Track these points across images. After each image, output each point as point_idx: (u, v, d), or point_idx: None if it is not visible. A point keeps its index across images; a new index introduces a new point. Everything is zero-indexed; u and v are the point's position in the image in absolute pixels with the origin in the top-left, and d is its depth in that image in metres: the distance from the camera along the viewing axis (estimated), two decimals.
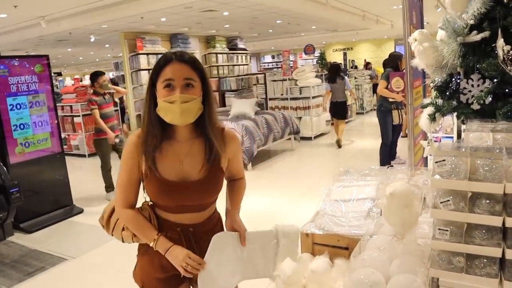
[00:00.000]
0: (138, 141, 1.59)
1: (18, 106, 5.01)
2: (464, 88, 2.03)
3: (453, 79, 2.15)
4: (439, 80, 2.25)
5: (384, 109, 6.18)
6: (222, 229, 1.82)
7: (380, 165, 6.02)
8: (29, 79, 5.11)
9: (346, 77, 9.16)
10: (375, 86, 13.37)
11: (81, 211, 5.56)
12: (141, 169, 1.61)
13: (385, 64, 6.59)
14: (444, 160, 1.26)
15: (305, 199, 5.38)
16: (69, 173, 5.70)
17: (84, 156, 9.43)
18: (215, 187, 1.67)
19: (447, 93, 2.19)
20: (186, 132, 1.62)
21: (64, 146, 6.13)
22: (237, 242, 1.69)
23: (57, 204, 5.45)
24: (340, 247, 1.79)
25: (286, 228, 1.79)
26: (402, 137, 6.91)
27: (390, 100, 6.07)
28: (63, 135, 7.90)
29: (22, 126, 5.05)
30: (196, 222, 1.69)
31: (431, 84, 2.31)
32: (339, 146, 8.74)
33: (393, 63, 6.31)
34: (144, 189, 1.69)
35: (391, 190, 1.44)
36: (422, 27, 3.34)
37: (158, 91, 1.54)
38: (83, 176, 7.87)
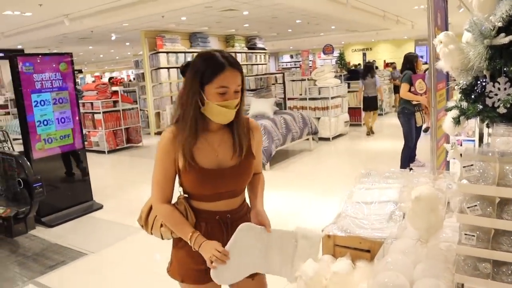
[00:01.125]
0: (174, 138, 1.66)
1: (42, 103, 5.10)
2: (490, 91, 2.00)
3: (479, 82, 2.11)
4: (464, 83, 2.21)
5: (408, 111, 6.06)
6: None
7: (400, 168, 5.96)
8: (53, 76, 5.20)
9: (376, 76, 10.54)
10: (396, 87, 13.23)
11: (100, 207, 5.64)
12: (177, 164, 1.68)
13: (402, 65, 6.48)
14: (472, 165, 1.25)
15: (323, 200, 5.37)
16: (89, 169, 5.79)
17: (103, 152, 9.55)
18: (247, 172, 1.77)
19: (472, 96, 2.16)
20: (218, 124, 1.70)
21: (85, 143, 6.21)
22: (260, 236, 1.71)
23: (77, 199, 5.54)
24: (362, 250, 1.78)
25: (307, 232, 1.80)
26: (423, 131, 6.78)
27: (414, 102, 5.97)
28: (84, 132, 8.02)
29: (45, 122, 5.15)
30: (232, 208, 1.77)
31: (456, 87, 2.28)
32: (371, 133, 10.22)
33: (410, 64, 6.21)
34: (179, 183, 1.75)
35: (416, 193, 1.43)
36: (447, 29, 3.30)
37: (208, 93, 1.60)
38: (102, 173, 7.99)
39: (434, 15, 2.81)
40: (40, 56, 5.20)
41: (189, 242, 1.66)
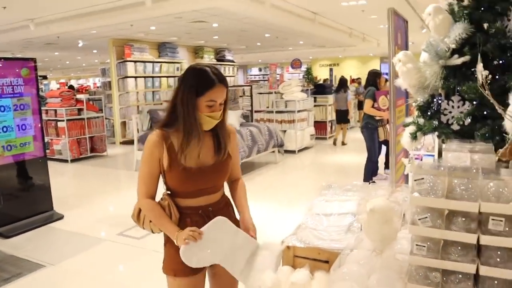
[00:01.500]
0: (159, 140, 1.85)
1: (2, 109, 4.95)
2: (445, 109, 2.10)
3: (435, 100, 2.22)
4: (421, 100, 2.31)
5: (371, 126, 6.21)
6: (231, 209, 2.08)
7: (364, 181, 6.08)
8: (15, 81, 5.06)
9: (348, 91, 11.21)
10: (360, 102, 13.53)
11: (61, 217, 5.49)
12: (161, 164, 1.87)
13: (366, 82, 6.67)
14: (423, 178, 1.31)
15: (287, 211, 5.41)
16: (50, 178, 5.63)
17: (66, 161, 9.32)
18: (225, 169, 1.98)
19: (429, 113, 2.25)
20: None
21: (47, 151, 6.04)
22: (234, 235, 1.87)
23: (37, 209, 5.37)
24: (321, 260, 1.82)
25: (269, 244, 1.89)
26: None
27: (377, 118, 6.14)
28: (46, 140, 7.80)
29: (5, 129, 4.99)
30: (212, 202, 1.96)
31: (414, 104, 2.38)
32: (342, 144, 10.98)
33: (373, 81, 6.39)
34: (164, 182, 1.93)
35: (371, 206, 1.48)
36: (407, 48, 3.43)
37: (199, 104, 1.81)
38: (64, 182, 7.79)
39: (395, 35, 2.93)
40: (1, 60, 5.06)
41: (174, 238, 1.81)
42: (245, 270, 1.82)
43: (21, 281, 3.79)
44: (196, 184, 1.88)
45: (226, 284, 2.02)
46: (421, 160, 3.95)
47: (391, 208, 1.53)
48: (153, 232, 1.97)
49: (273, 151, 8.77)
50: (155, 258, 4.17)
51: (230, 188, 2.13)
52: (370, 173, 6.35)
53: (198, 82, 1.81)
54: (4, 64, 5.03)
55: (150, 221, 1.93)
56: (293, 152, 9.70)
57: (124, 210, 6.17)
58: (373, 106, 6.08)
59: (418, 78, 2.22)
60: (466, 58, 1.98)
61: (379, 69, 9.69)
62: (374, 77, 6.40)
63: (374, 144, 6.30)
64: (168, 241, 1.94)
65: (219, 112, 1.85)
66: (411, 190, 1.35)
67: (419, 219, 1.32)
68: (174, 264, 1.87)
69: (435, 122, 2.18)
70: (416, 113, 2.41)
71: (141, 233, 4.82)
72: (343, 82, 11.11)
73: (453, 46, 2.02)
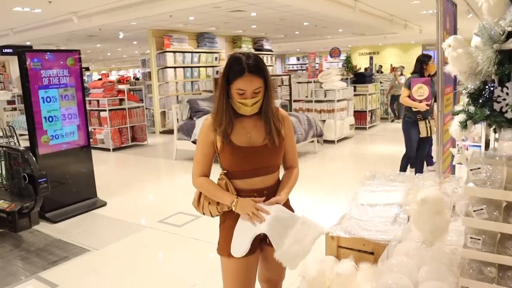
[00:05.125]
0: (211, 125, 1.96)
1: (49, 99, 5.13)
2: (498, 96, 1.99)
3: (487, 87, 2.10)
4: (472, 87, 2.20)
5: (408, 119, 5.58)
6: None
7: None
8: (61, 72, 5.22)
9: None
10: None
11: (104, 204, 5.66)
12: (215, 145, 1.98)
13: (414, 67, 5.71)
14: (479, 168, 1.24)
15: (327, 202, 5.35)
16: (93, 166, 5.80)
17: (108, 150, 9.59)
18: (277, 150, 2.00)
19: (480, 101, 2.14)
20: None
21: (90, 140, 6.22)
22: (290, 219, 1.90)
23: (81, 196, 5.56)
24: (365, 252, 1.78)
25: (309, 222, 1.87)
26: None
27: (414, 109, 5.42)
28: (89, 129, 8.02)
29: (51, 119, 5.17)
30: (268, 185, 2.00)
31: (464, 91, 2.26)
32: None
33: (417, 68, 5.52)
34: (220, 164, 2.02)
35: (422, 196, 1.42)
36: (455, 33, 3.28)
37: (232, 90, 1.88)
38: (107, 170, 8.01)
39: (443, 19, 2.80)
40: (48, 52, 5.22)
41: (232, 205, 1.91)
42: (279, 238, 1.81)
43: (68, 264, 3.94)
44: (248, 162, 1.94)
45: (275, 268, 2.01)
46: (467, 150, 3.80)
47: (442, 198, 1.46)
48: (212, 215, 2.03)
49: (312, 141, 8.69)
50: (195, 246, 4.25)
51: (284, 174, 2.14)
52: (405, 168, 5.81)
53: (229, 70, 1.87)
54: (51, 56, 5.19)
55: (209, 203, 2.00)
56: (332, 142, 9.58)
57: (164, 198, 6.31)
58: (409, 96, 5.38)
59: (469, 64, 2.11)
60: None
61: (421, 53, 9.09)
62: (419, 63, 5.54)
63: (410, 139, 5.64)
64: (223, 222, 2.02)
65: (251, 100, 1.87)
66: (466, 180, 1.28)
67: (474, 211, 1.25)
68: (228, 245, 1.92)
69: (487, 110, 2.07)
70: (466, 100, 2.30)
71: (182, 221, 4.90)
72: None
73: (509, 29, 1.90)
